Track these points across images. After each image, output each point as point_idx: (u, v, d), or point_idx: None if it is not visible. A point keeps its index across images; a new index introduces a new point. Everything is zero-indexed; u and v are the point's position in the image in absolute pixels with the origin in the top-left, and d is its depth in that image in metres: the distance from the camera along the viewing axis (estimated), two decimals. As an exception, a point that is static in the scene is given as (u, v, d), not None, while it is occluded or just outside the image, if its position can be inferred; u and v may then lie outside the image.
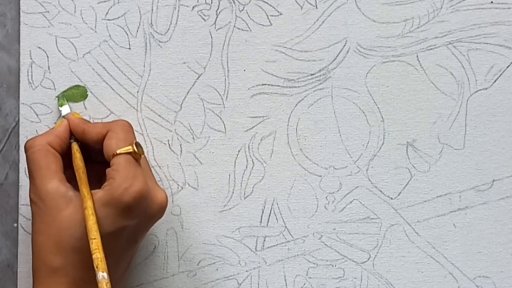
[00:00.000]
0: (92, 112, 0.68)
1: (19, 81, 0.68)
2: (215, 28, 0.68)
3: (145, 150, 0.67)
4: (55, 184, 0.60)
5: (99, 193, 0.59)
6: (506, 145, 0.67)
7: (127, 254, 0.62)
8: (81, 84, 0.68)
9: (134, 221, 0.60)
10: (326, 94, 0.68)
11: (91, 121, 0.67)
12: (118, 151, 0.60)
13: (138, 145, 0.61)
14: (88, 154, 0.64)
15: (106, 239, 0.58)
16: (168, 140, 0.68)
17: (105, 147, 0.61)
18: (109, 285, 0.56)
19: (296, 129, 0.68)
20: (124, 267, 0.62)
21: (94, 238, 0.57)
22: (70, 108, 0.67)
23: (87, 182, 0.60)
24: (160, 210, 0.62)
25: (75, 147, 0.63)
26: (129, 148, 0.61)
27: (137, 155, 0.61)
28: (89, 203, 0.58)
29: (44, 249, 0.59)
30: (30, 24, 0.67)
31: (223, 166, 0.68)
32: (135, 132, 0.67)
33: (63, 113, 0.66)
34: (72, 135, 0.64)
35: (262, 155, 0.68)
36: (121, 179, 0.59)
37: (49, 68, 0.67)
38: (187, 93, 0.68)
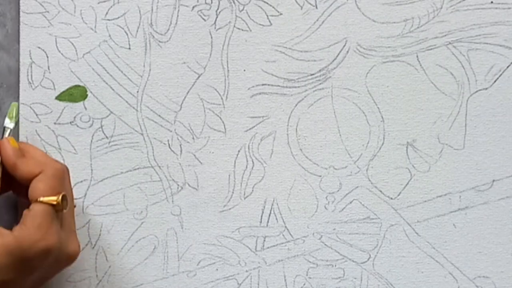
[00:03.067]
0: (92, 112, 0.68)
1: (19, 81, 0.67)
2: (215, 28, 0.68)
3: (145, 150, 0.67)
4: None
5: (7, 237, 0.56)
6: (506, 145, 0.67)
7: None
8: (81, 84, 0.68)
9: (39, 272, 0.58)
10: (326, 94, 0.68)
11: (91, 121, 0.67)
12: (41, 199, 0.58)
13: (64, 198, 0.59)
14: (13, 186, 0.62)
15: (8, 284, 0.56)
16: (168, 140, 0.68)
17: (30, 188, 0.59)
18: None
19: (296, 129, 0.68)
20: None
21: None
22: (15, 126, 0.64)
23: None
24: (68, 260, 0.60)
25: None
26: (53, 199, 0.58)
27: (59, 208, 0.59)
28: None
29: None
30: (30, 24, 0.67)
31: (223, 166, 0.68)
32: (135, 132, 0.67)
33: (5, 124, 0.64)
34: None
35: (262, 155, 0.68)
36: (33, 229, 0.57)
37: (49, 68, 0.67)
38: (187, 93, 0.68)
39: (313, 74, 0.68)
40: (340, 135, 0.68)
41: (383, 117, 0.68)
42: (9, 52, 0.68)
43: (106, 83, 0.68)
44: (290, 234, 0.68)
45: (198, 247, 0.68)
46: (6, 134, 0.64)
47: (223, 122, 0.68)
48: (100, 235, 0.67)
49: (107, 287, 0.67)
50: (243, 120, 0.68)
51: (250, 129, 0.68)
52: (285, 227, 0.68)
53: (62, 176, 0.61)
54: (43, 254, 0.57)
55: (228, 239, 0.68)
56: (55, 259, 0.59)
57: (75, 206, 0.64)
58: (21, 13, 0.67)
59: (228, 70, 0.68)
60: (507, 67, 0.67)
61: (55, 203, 0.58)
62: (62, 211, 0.59)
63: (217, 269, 0.68)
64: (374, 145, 0.68)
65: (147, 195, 0.68)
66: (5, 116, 0.67)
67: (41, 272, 0.59)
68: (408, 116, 0.68)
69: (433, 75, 0.68)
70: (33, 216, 0.58)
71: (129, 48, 0.68)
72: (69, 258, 0.60)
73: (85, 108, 0.68)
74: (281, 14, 0.68)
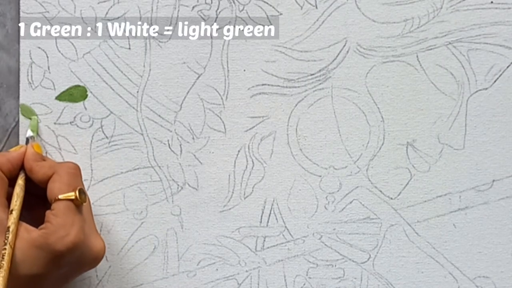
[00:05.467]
0: (92, 112, 0.68)
1: (19, 81, 0.68)
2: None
3: (145, 150, 0.67)
4: None
5: (34, 233, 0.58)
6: (506, 145, 0.67)
7: None
8: (81, 84, 0.68)
9: (64, 268, 0.59)
10: (326, 94, 0.68)
11: (91, 121, 0.67)
12: (60, 196, 0.60)
13: (81, 191, 0.60)
14: (36, 189, 0.63)
15: (34, 278, 0.58)
16: (168, 140, 0.68)
17: (48, 190, 0.61)
18: None
19: (296, 129, 0.68)
20: None
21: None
22: (35, 137, 0.66)
23: (20, 210, 0.60)
24: (95, 260, 0.61)
25: (22, 176, 0.62)
26: (71, 195, 0.60)
27: (78, 202, 0.60)
28: (13, 226, 0.58)
29: None
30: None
31: (223, 166, 0.68)
32: (135, 132, 0.67)
33: (27, 135, 0.66)
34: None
35: (262, 155, 0.68)
36: (58, 226, 0.58)
37: (49, 68, 0.67)
38: (187, 93, 0.68)
39: (313, 74, 0.68)
40: (340, 135, 0.68)
41: (383, 117, 0.68)
42: (9, 52, 0.68)
43: (106, 83, 0.68)
44: (290, 234, 0.68)
45: (198, 247, 0.68)
46: (30, 142, 0.65)
47: (223, 122, 0.68)
48: (100, 235, 0.67)
49: (107, 287, 0.67)
50: (243, 120, 0.68)
51: (250, 129, 0.68)
52: (285, 227, 0.68)
53: (75, 173, 0.62)
54: (70, 249, 0.58)
55: (228, 239, 0.68)
56: (81, 255, 0.60)
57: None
58: (21, 13, 0.67)
59: (228, 70, 0.68)
60: (507, 67, 0.67)
61: (73, 197, 0.60)
62: (82, 204, 0.61)
63: (217, 269, 0.68)
64: (374, 145, 0.68)
65: (147, 195, 0.68)
66: (5, 116, 0.68)
67: (67, 268, 0.60)
68: (408, 116, 0.68)
69: (433, 75, 0.68)
70: (56, 214, 0.59)
71: (129, 48, 0.68)
72: (95, 257, 0.61)
73: (85, 108, 0.68)
74: (281, 14, 0.68)
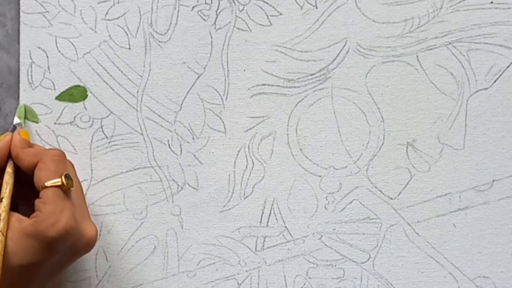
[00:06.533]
0: (92, 112, 0.68)
1: (19, 81, 0.68)
2: (215, 28, 0.68)
3: (145, 150, 0.68)
4: None
5: (25, 222, 0.58)
6: (506, 145, 0.68)
7: (50, 281, 0.61)
8: (81, 84, 0.68)
9: (58, 256, 0.59)
10: (326, 94, 0.68)
11: (91, 121, 0.67)
12: (46, 184, 0.60)
13: (68, 177, 0.60)
14: (29, 178, 0.63)
15: (27, 268, 0.58)
16: (168, 140, 0.68)
17: (35, 178, 0.61)
18: None
19: (296, 129, 0.68)
20: None
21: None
22: (22, 124, 0.66)
23: (10, 197, 0.60)
24: (87, 245, 0.61)
25: (10, 164, 0.62)
26: (57, 181, 0.60)
27: (65, 188, 0.60)
28: (3, 215, 0.58)
29: None
30: (30, 24, 0.67)
31: (223, 166, 0.68)
32: (135, 132, 0.67)
33: (14, 122, 0.66)
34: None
35: (262, 155, 0.68)
36: (48, 213, 0.58)
37: (49, 68, 0.67)
38: (187, 93, 0.68)
39: (313, 74, 0.68)
40: (340, 135, 0.68)
41: (383, 117, 0.68)
42: (9, 52, 0.68)
43: (106, 83, 0.68)
44: (290, 234, 0.68)
45: (198, 247, 0.68)
46: (17, 129, 0.65)
47: (223, 122, 0.68)
48: (100, 235, 0.67)
49: (107, 287, 0.67)
50: (243, 120, 0.68)
51: (250, 129, 0.68)
52: (285, 227, 0.68)
53: (60, 160, 0.62)
54: (62, 236, 0.58)
55: (228, 239, 0.68)
56: (74, 242, 0.60)
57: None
58: (21, 13, 0.67)
59: (228, 70, 0.68)
60: (507, 67, 0.68)
61: (60, 183, 0.60)
62: (69, 190, 0.61)
63: (217, 269, 0.68)
64: (374, 145, 0.68)
65: (147, 195, 0.68)
66: (5, 116, 0.68)
67: (60, 256, 0.60)
68: (408, 116, 0.68)
69: (433, 75, 0.68)
70: (44, 202, 0.59)
71: (129, 48, 0.68)
72: (87, 242, 0.61)
73: (85, 108, 0.68)
74: (281, 14, 0.68)
